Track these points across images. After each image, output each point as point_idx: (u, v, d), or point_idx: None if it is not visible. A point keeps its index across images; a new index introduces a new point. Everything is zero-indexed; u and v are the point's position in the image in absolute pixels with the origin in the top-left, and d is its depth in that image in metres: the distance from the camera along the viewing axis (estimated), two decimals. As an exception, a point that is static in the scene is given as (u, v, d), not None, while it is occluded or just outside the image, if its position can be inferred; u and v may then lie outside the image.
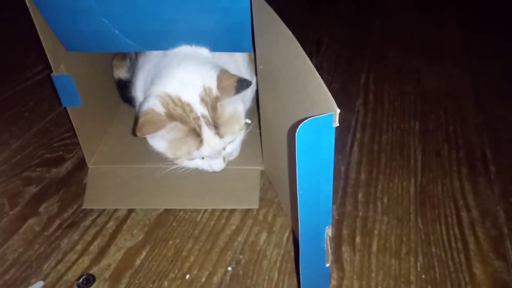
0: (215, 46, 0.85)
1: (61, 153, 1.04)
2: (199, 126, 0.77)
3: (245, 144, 0.97)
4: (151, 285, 0.75)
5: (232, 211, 0.88)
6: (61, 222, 0.86)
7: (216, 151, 0.81)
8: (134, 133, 0.76)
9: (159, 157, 0.84)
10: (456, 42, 1.53)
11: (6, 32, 1.59)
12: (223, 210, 0.88)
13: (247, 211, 0.88)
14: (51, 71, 0.82)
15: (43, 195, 0.93)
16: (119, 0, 0.76)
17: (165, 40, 0.83)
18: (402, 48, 1.48)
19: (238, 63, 0.92)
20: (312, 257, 0.58)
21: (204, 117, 0.77)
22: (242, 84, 0.76)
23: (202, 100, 0.77)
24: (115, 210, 0.89)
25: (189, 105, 0.77)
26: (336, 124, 0.47)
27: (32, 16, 0.76)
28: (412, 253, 0.80)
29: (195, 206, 0.89)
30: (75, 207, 0.89)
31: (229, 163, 0.95)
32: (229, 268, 0.77)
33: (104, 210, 0.89)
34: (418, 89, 1.27)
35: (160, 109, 0.76)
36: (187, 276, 0.76)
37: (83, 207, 0.89)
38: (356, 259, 0.79)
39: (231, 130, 0.80)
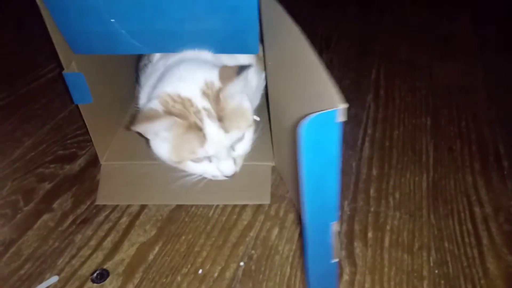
0: (222, 47, 0.85)
1: (74, 150, 1.05)
2: (201, 120, 0.74)
3: (256, 140, 0.98)
4: (164, 280, 0.75)
5: (244, 206, 0.88)
6: (75, 218, 0.87)
7: (222, 149, 0.77)
8: (129, 127, 0.74)
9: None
10: (468, 37, 1.51)
11: (18, 31, 1.61)
12: (235, 206, 0.88)
13: (259, 206, 0.88)
14: (63, 69, 0.83)
15: (57, 191, 0.94)
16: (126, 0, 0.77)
17: (172, 41, 0.83)
18: (412, 44, 1.47)
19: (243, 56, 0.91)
20: (319, 253, 0.58)
21: (206, 109, 0.75)
22: (242, 68, 0.74)
23: (204, 93, 0.75)
24: (128, 206, 0.89)
25: (189, 100, 0.75)
26: (341, 119, 0.46)
27: (43, 14, 0.77)
28: (425, 248, 0.79)
29: (206, 202, 0.89)
30: (88, 203, 0.90)
31: (240, 159, 0.95)
32: (242, 263, 0.78)
33: (117, 206, 0.89)
34: (430, 84, 1.26)
35: (158, 107, 0.75)
36: (200, 271, 0.77)
37: (96, 203, 0.90)
38: (368, 254, 0.79)
39: (236, 124, 0.77)
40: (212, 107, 0.75)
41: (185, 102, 0.75)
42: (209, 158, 0.79)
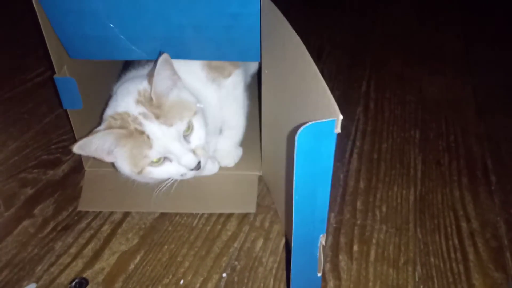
0: (222, 54, 0.84)
1: (59, 155, 1.03)
2: (140, 124, 0.74)
3: (243, 149, 0.97)
4: (144, 290, 0.74)
5: (229, 216, 0.87)
6: (56, 224, 0.86)
7: (174, 143, 0.75)
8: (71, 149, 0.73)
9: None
10: (458, 51, 1.52)
11: (10, 32, 1.59)
12: (220, 216, 0.87)
13: (244, 217, 0.87)
14: (53, 73, 0.83)
15: (39, 197, 0.92)
16: (127, 4, 0.76)
17: (171, 47, 0.82)
18: (403, 57, 1.47)
19: (192, 72, 0.87)
20: (304, 266, 0.56)
21: (141, 114, 0.74)
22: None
23: (137, 101, 0.75)
24: (111, 214, 0.88)
25: (126, 112, 0.75)
26: (338, 130, 0.46)
27: (39, 17, 0.76)
28: (410, 263, 0.78)
29: (191, 210, 0.88)
30: (70, 210, 0.88)
31: (227, 169, 0.94)
32: (224, 275, 0.76)
33: (99, 213, 0.88)
34: (419, 97, 1.26)
35: (101, 128, 0.76)
36: (181, 282, 0.75)
37: (79, 209, 0.88)
38: (353, 268, 0.78)
39: (178, 116, 0.75)
40: (147, 109, 0.75)
41: (123, 116, 0.75)
42: (168, 159, 0.77)
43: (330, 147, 0.47)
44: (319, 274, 0.56)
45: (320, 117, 0.46)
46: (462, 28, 1.67)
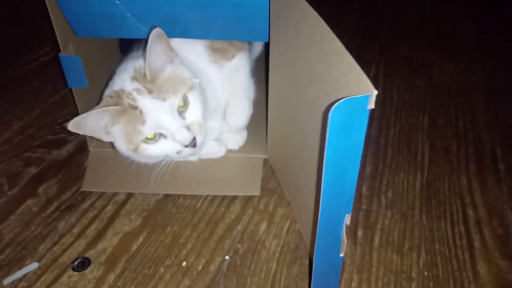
0: (230, 33, 0.83)
1: (63, 135, 1.03)
2: (133, 99, 0.73)
3: (248, 132, 0.96)
4: (146, 271, 0.74)
5: (233, 199, 0.86)
6: (59, 204, 0.85)
7: (167, 118, 0.73)
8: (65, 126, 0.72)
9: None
10: (469, 37, 1.49)
11: (16, 12, 1.58)
12: (223, 198, 0.86)
13: (248, 200, 0.86)
14: (58, 51, 0.82)
15: (43, 176, 0.92)
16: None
17: (178, 26, 0.81)
18: (413, 42, 1.45)
19: (194, 53, 0.86)
20: (328, 245, 0.55)
21: (135, 89, 0.73)
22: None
23: (133, 78, 0.75)
24: (114, 194, 0.87)
25: (121, 90, 0.75)
26: (372, 106, 0.44)
27: None
28: (415, 249, 0.77)
29: (195, 192, 0.87)
30: (74, 190, 0.88)
31: (232, 152, 0.93)
32: (227, 257, 0.76)
33: (103, 193, 0.88)
34: (429, 83, 1.24)
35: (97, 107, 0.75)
36: (184, 263, 0.75)
37: (82, 189, 0.88)
38: (357, 253, 0.77)
39: (172, 90, 0.74)
40: (141, 84, 0.74)
41: (119, 93, 0.75)
42: (163, 136, 0.75)
43: (362, 124, 0.46)
44: (342, 255, 0.56)
45: (344, 94, 0.44)
46: (474, 14, 1.64)
